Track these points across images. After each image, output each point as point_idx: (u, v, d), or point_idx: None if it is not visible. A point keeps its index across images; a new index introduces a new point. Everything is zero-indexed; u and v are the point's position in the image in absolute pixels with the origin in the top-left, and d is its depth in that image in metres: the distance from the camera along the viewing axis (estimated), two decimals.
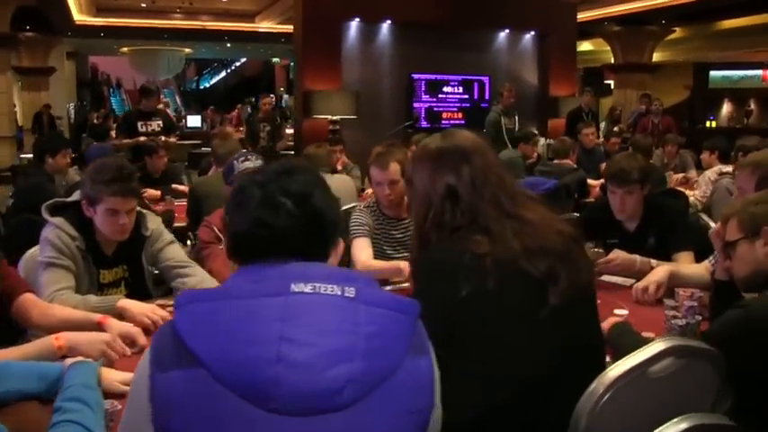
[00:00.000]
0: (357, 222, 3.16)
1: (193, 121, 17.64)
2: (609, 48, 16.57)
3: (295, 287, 1.13)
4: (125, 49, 23.18)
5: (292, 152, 9.04)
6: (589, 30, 16.33)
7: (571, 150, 6.39)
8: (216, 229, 3.04)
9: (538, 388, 1.54)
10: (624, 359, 1.56)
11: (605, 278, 3.04)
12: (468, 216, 1.64)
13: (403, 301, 1.20)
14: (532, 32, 10.16)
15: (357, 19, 9.10)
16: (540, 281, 1.56)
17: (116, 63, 25.75)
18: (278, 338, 1.08)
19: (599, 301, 2.75)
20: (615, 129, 10.51)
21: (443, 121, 9.63)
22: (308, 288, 1.13)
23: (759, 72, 18.18)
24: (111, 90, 25.68)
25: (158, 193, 5.42)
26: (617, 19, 15.15)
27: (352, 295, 1.15)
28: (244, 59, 28.01)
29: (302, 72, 8.94)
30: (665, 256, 2.98)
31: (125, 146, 6.64)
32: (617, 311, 2.57)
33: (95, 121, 15.09)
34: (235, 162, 3.05)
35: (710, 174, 6.19)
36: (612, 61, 16.58)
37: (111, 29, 16.55)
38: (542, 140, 9.14)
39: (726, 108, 18.79)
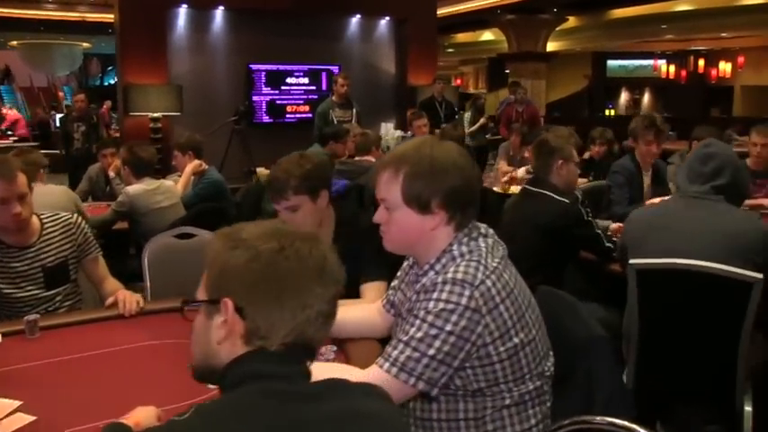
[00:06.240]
0: None
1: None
2: None
3: None
4: (14, 42, 21.87)
5: None
6: (485, 18, 16.08)
7: (374, 146, 5.77)
8: None
9: None
10: None
11: None
12: None
13: None
14: (387, 18, 9.56)
15: (185, 5, 8.31)
16: None
17: (9, 58, 24.35)
18: None
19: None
20: (483, 119, 10.10)
21: (288, 115, 8.95)
22: None
23: (651, 62, 18.14)
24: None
25: None
26: (510, 7, 14.86)
27: None
28: None
29: (122, 65, 8.13)
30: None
31: None
32: None
33: None
34: None
35: (522, 172, 5.82)
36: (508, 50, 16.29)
37: None
38: (398, 133, 8.58)
39: (623, 97, 18.74)
